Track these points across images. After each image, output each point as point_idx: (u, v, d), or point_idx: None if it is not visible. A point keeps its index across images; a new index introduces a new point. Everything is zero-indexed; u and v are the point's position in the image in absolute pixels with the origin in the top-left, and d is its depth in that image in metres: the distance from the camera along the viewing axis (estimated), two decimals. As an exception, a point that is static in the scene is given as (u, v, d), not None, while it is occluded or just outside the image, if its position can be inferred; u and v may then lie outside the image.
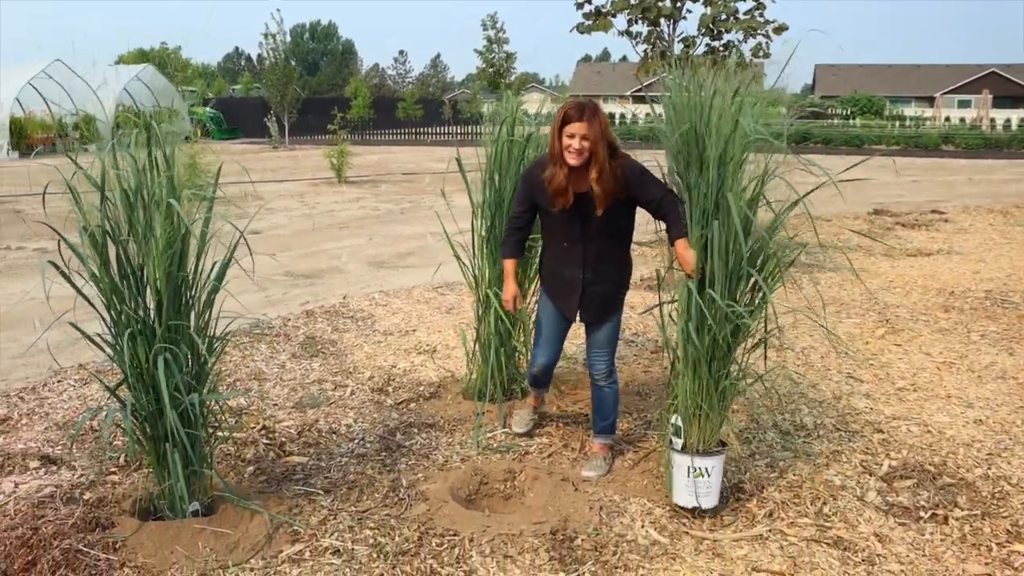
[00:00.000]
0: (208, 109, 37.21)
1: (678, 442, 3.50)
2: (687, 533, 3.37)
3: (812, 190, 3.35)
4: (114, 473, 3.90)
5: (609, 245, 3.79)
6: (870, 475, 3.88)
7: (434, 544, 3.28)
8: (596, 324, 3.89)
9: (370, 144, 34.89)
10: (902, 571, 3.13)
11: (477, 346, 4.69)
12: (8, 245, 10.32)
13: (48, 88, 26.94)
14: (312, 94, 54.48)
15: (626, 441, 4.15)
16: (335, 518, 3.49)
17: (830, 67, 63.72)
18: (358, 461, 4.04)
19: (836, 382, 5.13)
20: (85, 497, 3.64)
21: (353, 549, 3.25)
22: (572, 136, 3.51)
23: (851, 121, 41.48)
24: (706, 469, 3.43)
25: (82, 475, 3.86)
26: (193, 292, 3.35)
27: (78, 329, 3.22)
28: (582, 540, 3.29)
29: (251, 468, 3.95)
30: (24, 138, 24.92)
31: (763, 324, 3.46)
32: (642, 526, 3.41)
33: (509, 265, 4.04)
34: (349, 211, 13.97)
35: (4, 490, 3.76)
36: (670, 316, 3.55)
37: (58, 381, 5.18)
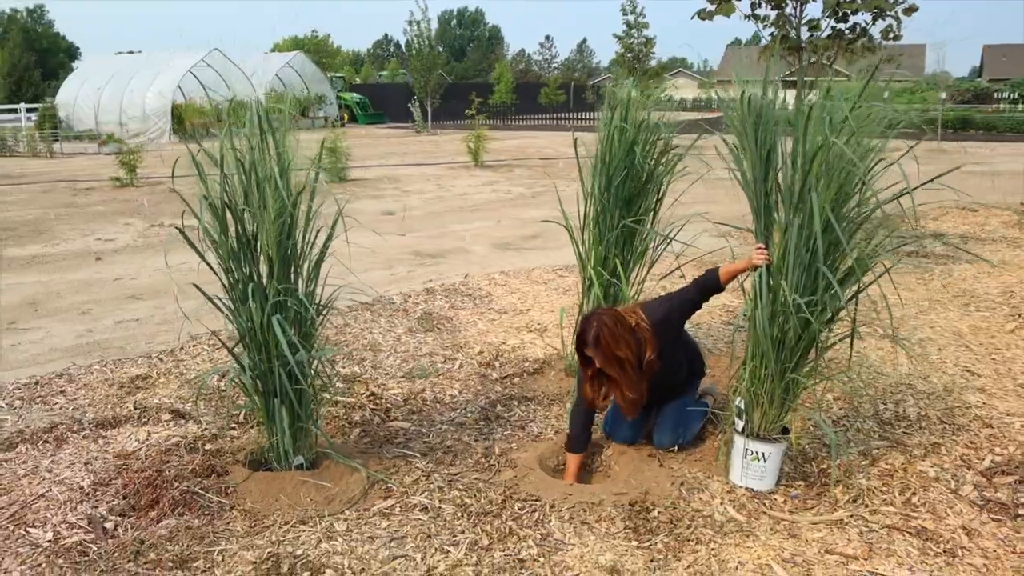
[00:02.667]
0: (355, 95, 38.52)
1: (739, 423, 3.52)
2: (765, 513, 3.39)
3: (924, 183, 3.28)
4: (233, 428, 4.23)
5: (667, 380, 3.85)
6: (968, 469, 3.77)
7: (516, 507, 3.43)
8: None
9: (512, 129, 35.31)
10: (986, 566, 3.06)
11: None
12: (162, 222, 11.14)
13: (207, 76, 28.61)
14: (458, 79, 55.57)
15: (717, 419, 4.18)
16: (427, 479, 3.69)
17: (999, 48, 59.88)
18: (456, 429, 4.24)
19: (950, 375, 4.97)
20: (206, 448, 3.97)
21: (440, 507, 3.44)
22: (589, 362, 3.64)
23: (1020, 106, 38.90)
24: (762, 454, 3.45)
25: (205, 429, 4.21)
26: (301, 261, 3.59)
27: (201, 291, 3.53)
28: (658, 512, 3.37)
29: (357, 430, 4.21)
30: (183, 122, 26.53)
31: (844, 320, 3.42)
32: (721, 503, 3.45)
33: (572, 463, 3.84)
34: (482, 194, 14.27)
35: (139, 438, 4.14)
36: (748, 299, 3.57)
37: (193, 345, 5.62)
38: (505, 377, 5.00)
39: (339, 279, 3.76)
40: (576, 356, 3.66)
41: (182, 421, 4.36)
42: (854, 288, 3.36)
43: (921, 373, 4.97)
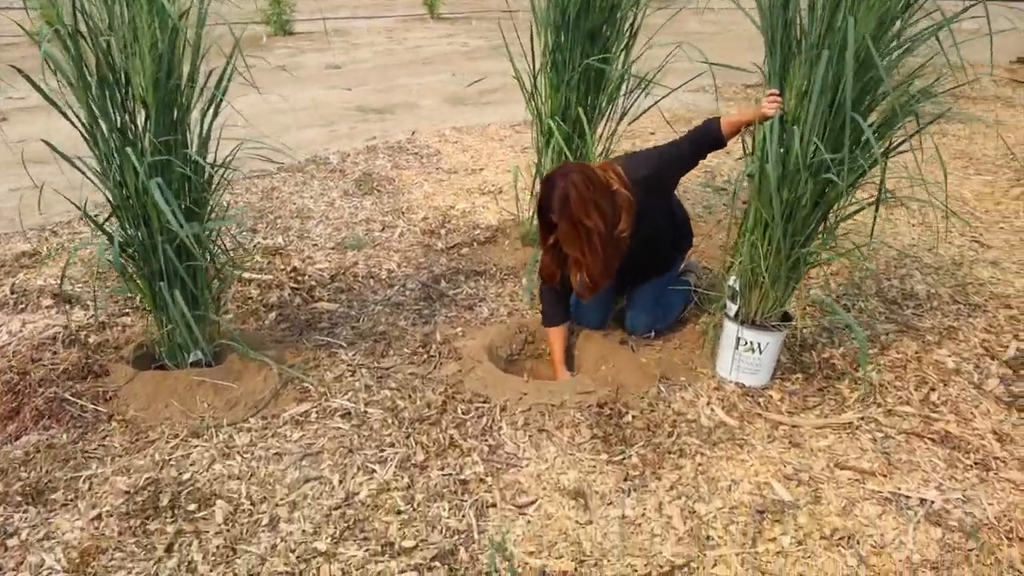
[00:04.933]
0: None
1: (732, 307, 2.90)
2: (761, 415, 2.80)
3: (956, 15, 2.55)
4: (127, 314, 3.52)
5: (648, 255, 3.16)
6: (992, 359, 3.20)
7: (459, 411, 2.81)
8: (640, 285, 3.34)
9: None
10: (1028, 478, 2.51)
11: (538, 183, 4.09)
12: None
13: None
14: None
15: (700, 300, 3.53)
16: (353, 375, 3.05)
17: None
18: (392, 311, 3.58)
19: (958, 246, 4.36)
20: (89, 340, 3.28)
21: (366, 412, 2.81)
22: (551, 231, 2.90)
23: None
24: (758, 344, 2.84)
25: (93, 316, 3.50)
26: (188, 104, 2.81)
27: (51, 148, 2.75)
28: (633, 417, 2.77)
29: (273, 314, 3.53)
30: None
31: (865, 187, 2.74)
32: (707, 403, 2.86)
33: (554, 343, 3.21)
34: (436, 47, 13.19)
35: (12, 329, 3.43)
36: (749, 156, 2.86)
37: (98, 214, 4.83)
38: (452, 247, 4.31)
39: (272, 138, 2.98)
40: (537, 222, 2.96)
41: (67, 307, 3.63)
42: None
43: (925, 244, 4.36)
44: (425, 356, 3.18)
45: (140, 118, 2.73)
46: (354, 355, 3.19)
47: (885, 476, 2.49)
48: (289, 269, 3.92)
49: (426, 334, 3.36)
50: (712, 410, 2.81)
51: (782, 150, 2.51)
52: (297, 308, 3.59)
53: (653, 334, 3.25)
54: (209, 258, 3.00)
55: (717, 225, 4.46)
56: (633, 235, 2.90)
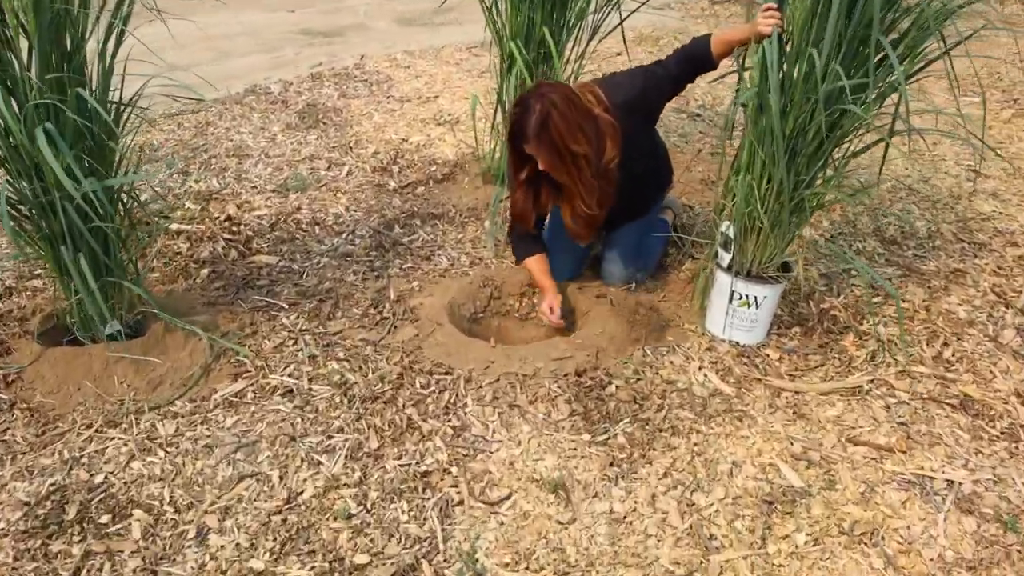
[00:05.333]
0: None
1: (725, 257, 2.55)
2: (760, 380, 2.48)
3: None
4: (38, 276, 3.10)
5: (629, 193, 2.76)
6: (1006, 306, 2.90)
7: (418, 385, 2.45)
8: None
9: None
10: (1063, 446, 2.22)
11: (500, 114, 3.68)
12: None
13: None
14: None
15: (681, 242, 3.17)
16: (295, 343, 2.67)
17: None
18: (339, 263, 3.18)
19: (954, 176, 4.03)
20: (-9, 308, 2.86)
21: (311, 390, 2.45)
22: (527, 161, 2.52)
23: None
24: (754, 298, 2.51)
25: (-6, 278, 3.07)
26: (82, 32, 2.35)
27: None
28: (617, 387, 2.43)
29: (205, 271, 3.12)
30: None
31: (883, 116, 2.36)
32: (700, 368, 2.53)
33: (534, 267, 2.85)
34: (386, -39, 12.46)
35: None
36: (747, 83, 2.47)
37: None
38: (406, 187, 3.90)
39: (206, 67, 2.52)
40: (507, 154, 2.56)
41: (-33, 266, 3.20)
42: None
43: (920, 174, 4.03)
44: (377, 318, 2.81)
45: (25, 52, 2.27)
46: (296, 318, 2.81)
47: (904, 453, 2.19)
48: (223, 218, 3.49)
49: (378, 291, 2.98)
50: (705, 376, 2.48)
51: (781, 75, 2.13)
52: (232, 263, 3.19)
53: (634, 285, 2.90)
54: (123, 214, 2.58)
55: (697, 157, 4.08)
56: (620, 166, 2.52)
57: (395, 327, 2.74)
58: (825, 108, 2.12)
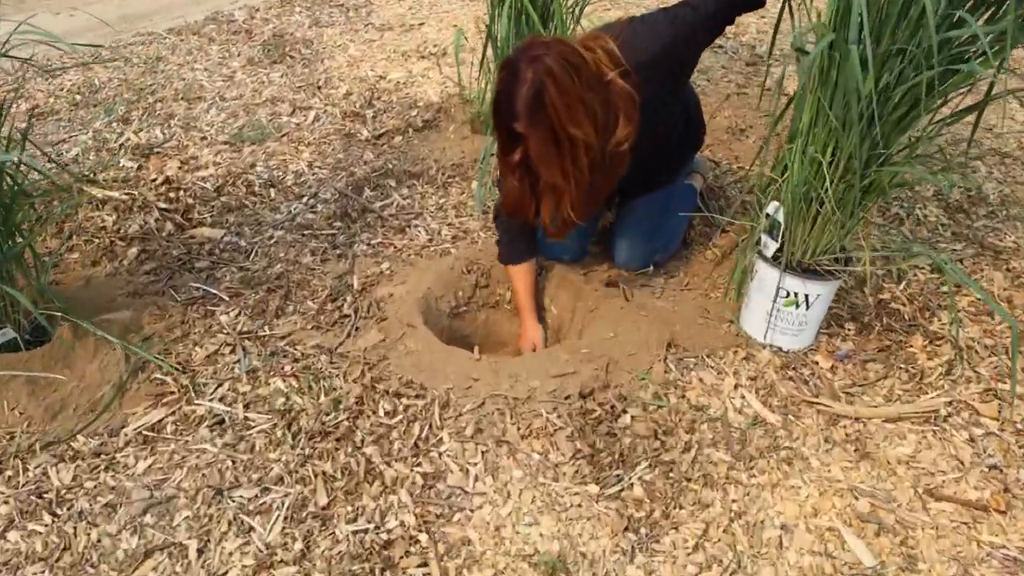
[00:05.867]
0: None
1: (770, 245, 2.02)
2: (810, 403, 1.97)
3: None
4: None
5: (651, 163, 2.17)
6: (1111, 292, 2.37)
7: (381, 412, 1.95)
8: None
9: None
10: None
11: (491, 48, 3.09)
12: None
13: None
14: None
15: (711, 218, 2.63)
16: (232, 351, 2.16)
17: None
18: (296, 239, 2.65)
19: (1021, 123, 3.44)
20: None
21: (246, 419, 1.94)
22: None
23: None
24: (804, 297, 1.98)
25: None
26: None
27: None
28: (633, 418, 1.92)
29: (135, 250, 2.59)
30: None
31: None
32: (736, 386, 2.01)
33: (518, 280, 2.33)
34: None
35: None
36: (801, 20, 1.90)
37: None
38: (380, 136, 3.34)
39: None
40: (495, 130, 1.99)
41: None
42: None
43: (985, 123, 3.43)
44: (336, 315, 2.29)
45: None
46: (237, 315, 2.29)
47: (1003, 514, 1.69)
48: (160, 180, 2.95)
49: (339, 276, 2.45)
50: (743, 398, 1.97)
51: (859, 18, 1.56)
52: (167, 239, 2.66)
53: (652, 268, 2.37)
54: (12, 184, 2.05)
55: (724, 102, 3.50)
56: (635, 146, 1.97)
57: (357, 328, 2.23)
58: (927, 60, 1.56)
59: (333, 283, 2.42)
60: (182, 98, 3.67)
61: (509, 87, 1.79)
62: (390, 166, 3.09)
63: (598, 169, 1.92)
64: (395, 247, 2.61)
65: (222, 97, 3.69)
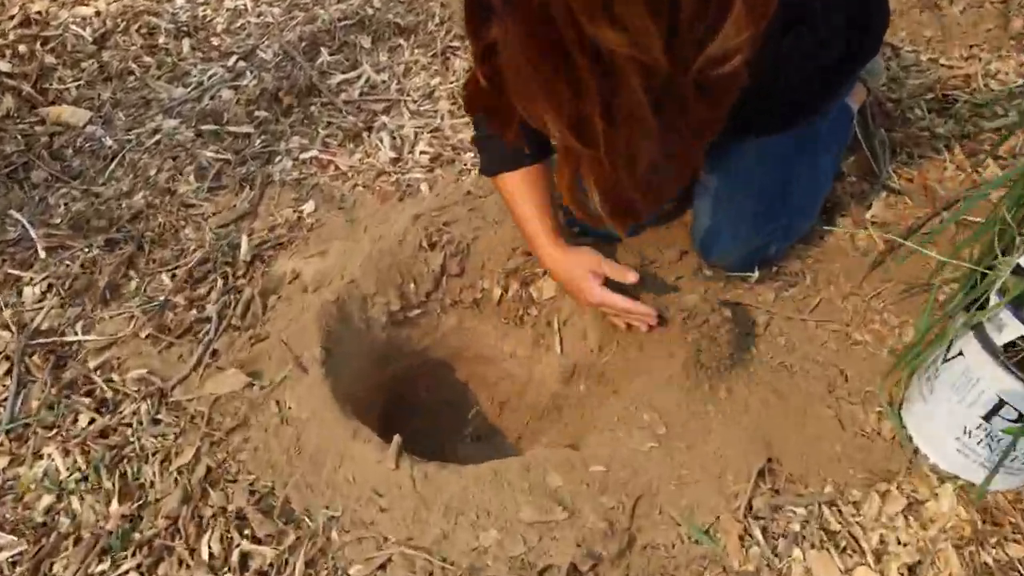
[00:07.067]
0: None
1: (1011, 325, 0.94)
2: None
3: None
4: None
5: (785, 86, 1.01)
6: None
7: (199, 563, 1.03)
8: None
9: None
10: None
11: None
12: None
13: None
14: None
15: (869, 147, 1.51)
16: (6, 375, 1.26)
17: None
18: (187, 139, 1.68)
19: None
20: None
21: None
22: None
23: None
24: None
25: None
26: None
27: None
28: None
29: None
30: None
31: None
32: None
33: (518, 200, 1.21)
34: None
35: None
36: None
37: None
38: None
39: None
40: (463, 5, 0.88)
41: None
42: None
43: None
44: (192, 315, 1.34)
45: None
46: (44, 293, 1.38)
47: None
48: (18, 22, 1.95)
49: (226, 226, 1.48)
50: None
51: None
52: (3, 121, 1.71)
53: (755, 274, 1.31)
54: None
55: None
56: (757, 69, 0.85)
57: (214, 353, 1.28)
58: None
59: (212, 239, 1.46)
60: None
61: None
62: (370, 11, 2.02)
63: (669, 113, 0.85)
64: (335, 169, 1.61)
65: None
